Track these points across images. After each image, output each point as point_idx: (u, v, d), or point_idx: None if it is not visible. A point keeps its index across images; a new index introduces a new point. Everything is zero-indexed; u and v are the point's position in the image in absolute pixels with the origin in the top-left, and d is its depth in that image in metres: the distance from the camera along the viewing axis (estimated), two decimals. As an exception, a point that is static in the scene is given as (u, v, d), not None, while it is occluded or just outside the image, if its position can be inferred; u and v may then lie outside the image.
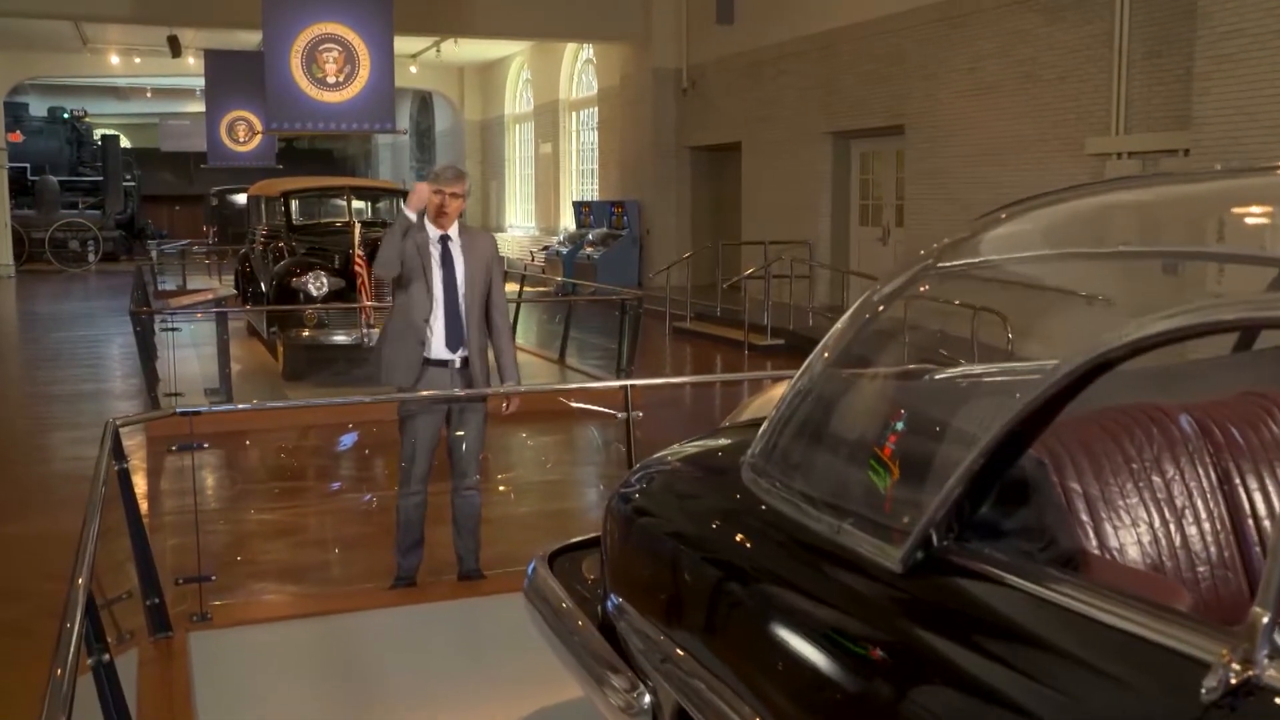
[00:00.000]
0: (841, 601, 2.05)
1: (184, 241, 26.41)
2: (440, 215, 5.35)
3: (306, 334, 10.78)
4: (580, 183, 27.32)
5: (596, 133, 25.29)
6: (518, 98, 31.22)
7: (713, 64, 20.27)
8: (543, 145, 28.77)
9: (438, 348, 5.44)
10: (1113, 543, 2.09)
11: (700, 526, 2.69)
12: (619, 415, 5.49)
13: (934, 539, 1.90)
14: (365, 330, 10.54)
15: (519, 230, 30.58)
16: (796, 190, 17.83)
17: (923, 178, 14.80)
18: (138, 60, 29.10)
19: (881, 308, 2.58)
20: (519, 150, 31.57)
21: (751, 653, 2.28)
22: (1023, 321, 2.78)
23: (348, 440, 7.68)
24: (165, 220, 40.00)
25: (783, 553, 2.30)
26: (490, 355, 5.63)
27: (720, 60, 19.96)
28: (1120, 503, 2.11)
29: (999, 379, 2.58)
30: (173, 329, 10.22)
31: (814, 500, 2.27)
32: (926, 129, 14.60)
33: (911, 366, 2.78)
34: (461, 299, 5.42)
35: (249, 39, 25.18)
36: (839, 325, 2.67)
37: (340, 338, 10.86)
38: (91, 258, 30.40)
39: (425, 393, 5.45)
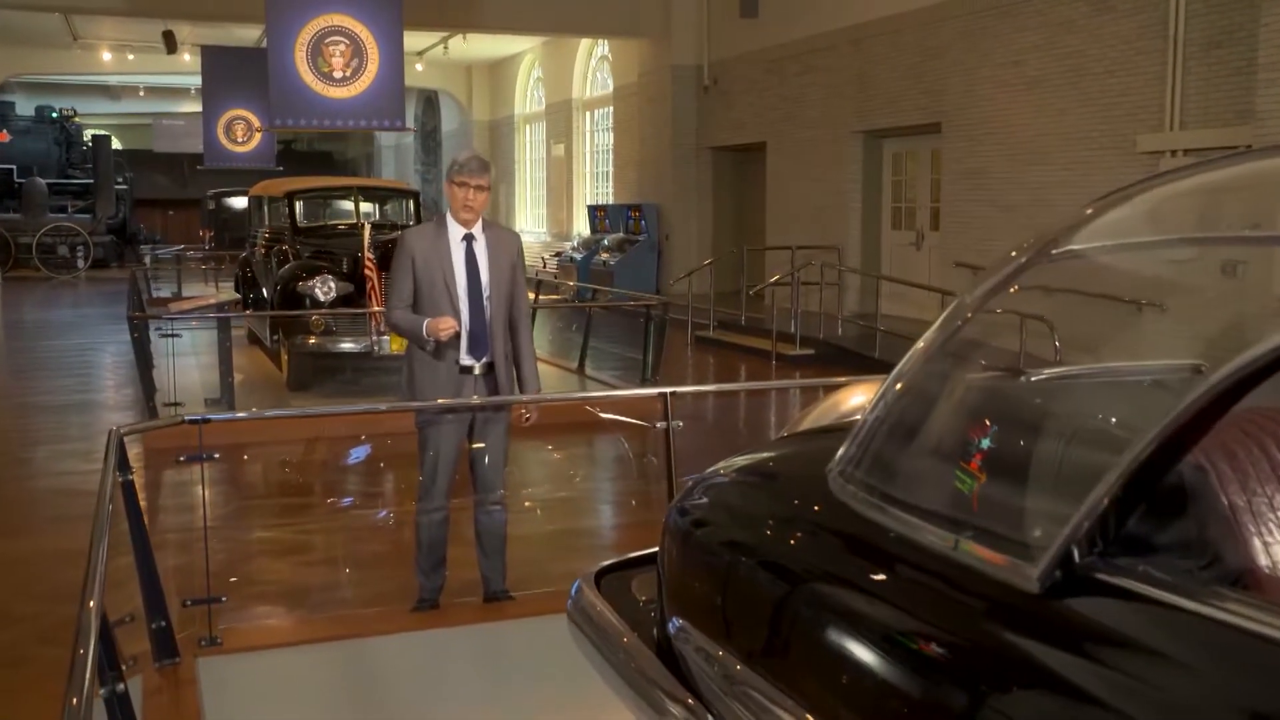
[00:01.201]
0: (962, 625, 1.90)
1: (179, 247, 26.34)
2: (465, 209, 5.22)
3: (313, 341, 10.66)
4: (594, 186, 27.24)
5: (612, 133, 25.22)
6: (528, 97, 31.18)
7: (735, 60, 20.16)
8: (555, 146, 28.70)
9: (464, 353, 5.31)
10: (1263, 560, 1.94)
11: (781, 542, 2.54)
12: (657, 425, 5.35)
13: (1075, 555, 1.75)
14: (375, 337, 10.43)
15: (530, 235, 30.49)
16: (824, 193, 17.70)
17: (961, 178, 14.66)
18: (131, 57, 29.15)
19: (987, 299, 2.43)
20: (530, 152, 31.51)
21: (845, 680, 2.13)
22: (1149, 313, 2.63)
23: (363, 453, 7.54)
24: (159, 225, 39.99)
25: (884, 570, 2.15)
26: (496, 361, 5.47)
27: (744, 56, 19.86)
28: (1271, 515, 1.96)
29: (1132, 378, 2.42)
30: (172, 335, 10.09)
31: (922, 512, 2.12)
32: (965, 127, 14.46)
33: (1003, 367, 2.64)
34: (486, 302, 5.28)
35: (247, 34, 25.19)
36: (941, 318, 2.52)
37: (348, 345, 10.74)
38: (81, 264, 30.34)
39: (443, 401, 5.32)
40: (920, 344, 2.52)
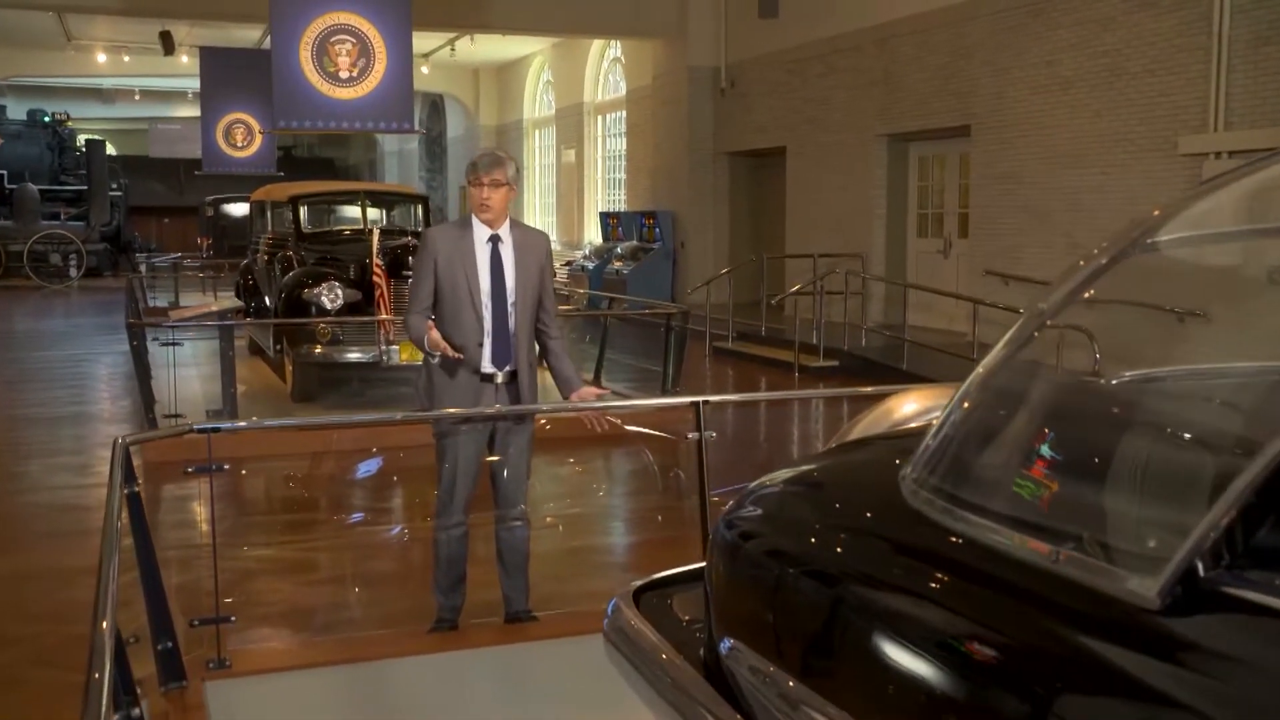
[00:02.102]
0: (1067, 643, 1.79)
1: (175, 255, 26.32)
2: (481, 209, 5.14)
3: (319, 351, 10.59)
4: (606, 192, 27.20)
5: (625, 138, 25.17)
6: (538, 101, 31.18)
7: (754, 61, 20.11)
8: (565, 152, 28.67)
9: (486, 361, 5.23)
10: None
11: (851, 555, 2.44)
12: (689, 436, 5.25)
13: (1200, 569, 1.65)
14: (384, 347, 10.36)
15: (539, 244, 30.43)
16: (847, 199, 17.62)
17: (991, 183, 14.57)
18: (126, 59, 29.19)
19: (1077, 293, 2.33)
20: (539, 158, 31.48)
21: (927, 706, 2.02)
22: (1241, 310, 2.52)
23: (376, 465, 7.46)
24: (154, 233, 40.03)
25: (972, 584, 2.05)
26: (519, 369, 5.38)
27: (763, 57, 19.80)
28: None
29: (1230, 380, 2.32)
30: (173, 344, 10.02)
31: (1014, 522, 2.02)
32: (996, 129, 14.37)
33: (1088, 369, 2.54)
34: (511, 307, 5.20)
35: (247, 35, 25.21)
36: (1021, 319, 2.42)
37: (356, 355, 10.68)
38: (74, 273, 30.35)
39: (460, 410, 5.23)
40: (1000, 345, 2.42)
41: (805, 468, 3.22)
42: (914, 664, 2.08)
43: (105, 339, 18.23)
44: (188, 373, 11.51)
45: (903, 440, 3.27)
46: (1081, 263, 2.54)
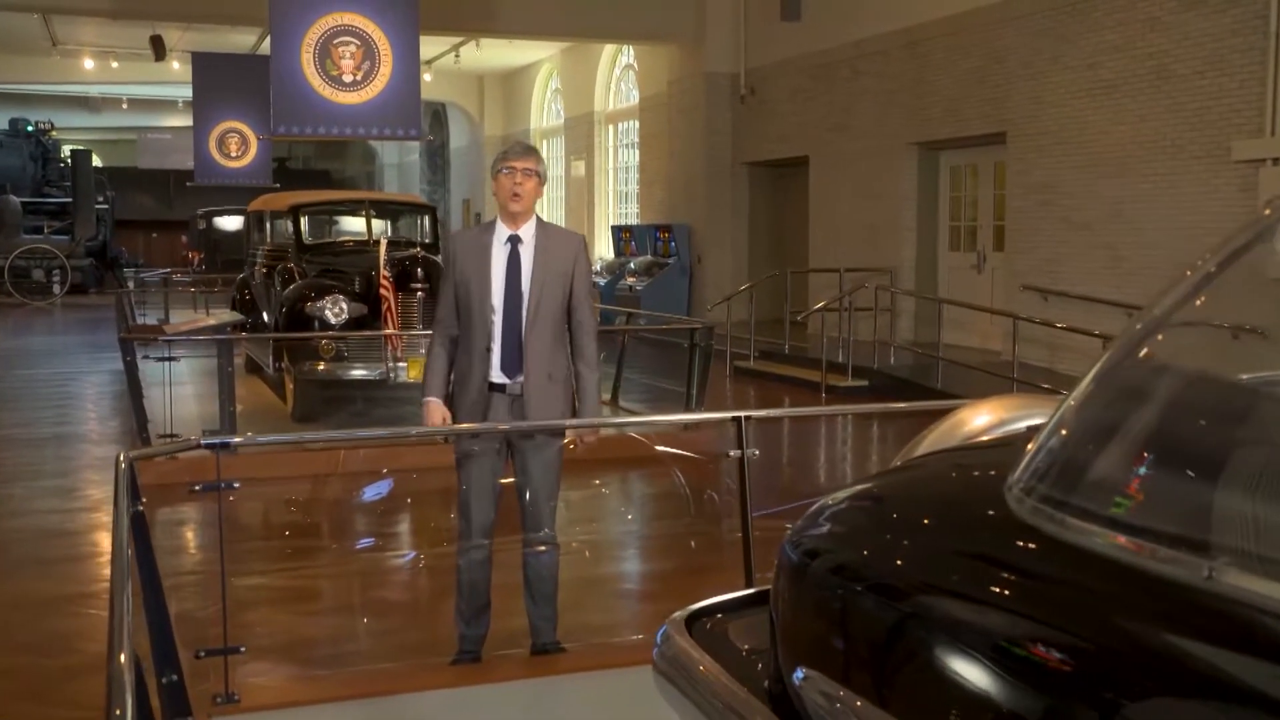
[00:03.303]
0: (1229, 669, 1.66)
1: (165, 270, 26.29)
2: (513, 199, 5.05)
3: (322, 368, 10.49)
4: (618, 205, 27.15)
5: (638, 148, 25.12)
6: (545, 109, 31.17)
7: (776, 67, 20.05)
8: (574, 163, 28.63)
9: (495, 369, 5.12)
10: None
11: (952, 575, 2.31)
12: (730, 453, 5.12)
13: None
14: (391, 364, 10.26)
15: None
16: (875, 211, 17.54)
17: (1028, 193, 14.46)
18: (115, 65, 29.23)
19: (1193, 293, 2.21)
20: (547, 169, 31.45)
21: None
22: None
23: (391, 487, 7.36)
24: (140, 248, 40.05)
25: (1108, 606, 1.91)
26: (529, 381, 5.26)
27: (785, 62, 19.75)
28: None
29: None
30: (169, 359, 9.92)
31: (1151, 535, 1.89)
32: (1033, 136, 14.28)
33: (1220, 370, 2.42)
34: (524, 312, 5.08)
35: (242, 40, 25.22)
36: (1138, 317, 2.30)
37: (361, 372, 10.58)
38: (57, 289, 30.33)
39: (477, 425, 5.14)
40: (1112, 348, 2.30)
41: (879, 483, 3.11)
42: (1033, 694, 1.95)
43: (91, 357, 18.19)
44: (182, 391, 11.40)
45: (989, 452, 3.15)
46: (1199, 262, 2.42)
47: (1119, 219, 12.95)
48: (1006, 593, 2.14)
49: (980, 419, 3.75)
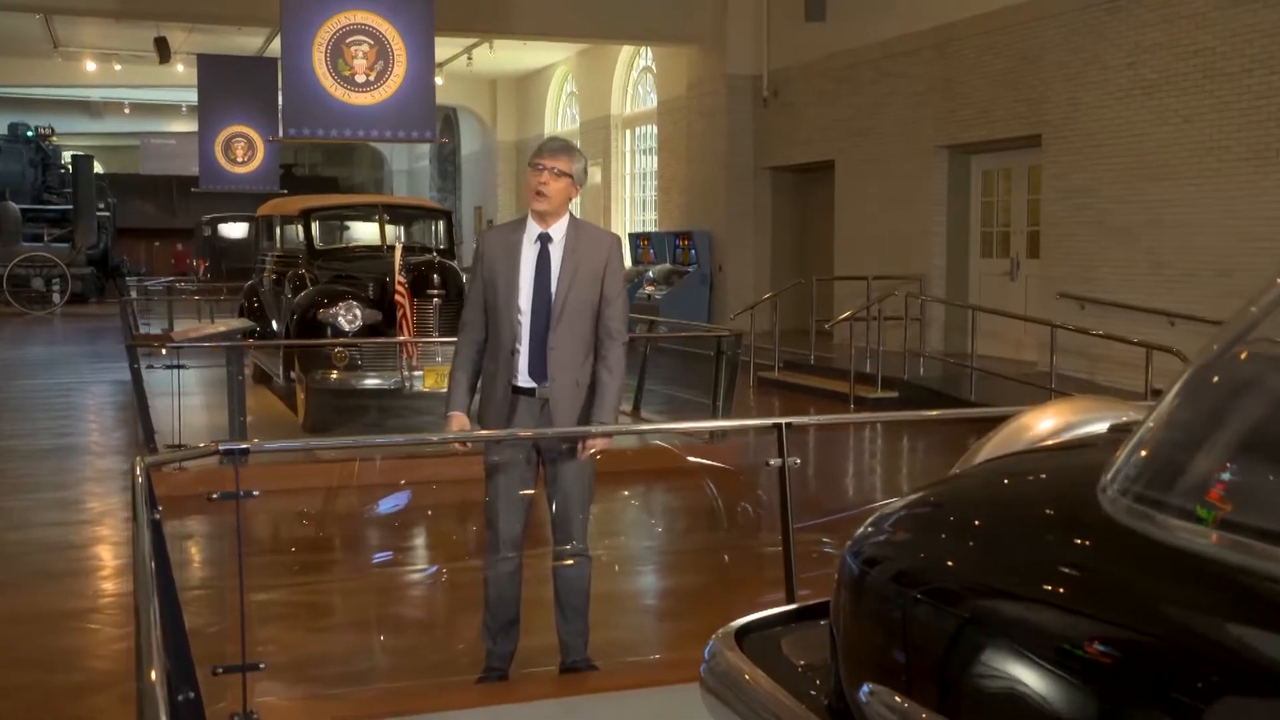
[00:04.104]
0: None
1: (169, 278, 26.30)
2: (536, 197, 4.98)
3: (335, 377, 10.42)
4: (636, 212, 27.13)
5: (655, 153, 25.09)
6: (560, 114, 31.18)
7: (800, 68, 20.01)
8: (590, 169, 28.59)
9: (521, 373, 5.05)
10: None
11: (1043, 581, 2.22)
12: (770, 462, 5.03)
13: None
14: (407, 373, 10.20)
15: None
16: (903, 217, 17.46)
17: (1064, 197, 14.37)
18: (118, 68, 29.32)
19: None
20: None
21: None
22: None
23: (413, 499, 7.29)
24: (142, 257, 40.13)
25: (1225, 612, 1.82)
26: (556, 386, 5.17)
27: (809, 64, 19.70)
28: None
29: None
30: (178, 366, 9.86)
31: (1265, 534, 1.80)
32: (1070, 139, 14.19)
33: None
34: (552, 313, 5.01)
35: (249, 43, 25.26)
36: (1237, 313, 2.21)
37: (375, 381, 10.52)
38: (57, 299, 30.35)
39: (497, 431, 5.07)
40: (1214, 344, 2.22)
41: (947, 489, 3.02)
42: (1142, 708, 1.86)
43: (93, 367, 18.20)
44: (188, 401, 11.35)
45: (1068, 454, 3.07)
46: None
47: (1161, 223, 12.85)
48: (1106, 598, 2.05)
49: (1045, 423, 3.67)
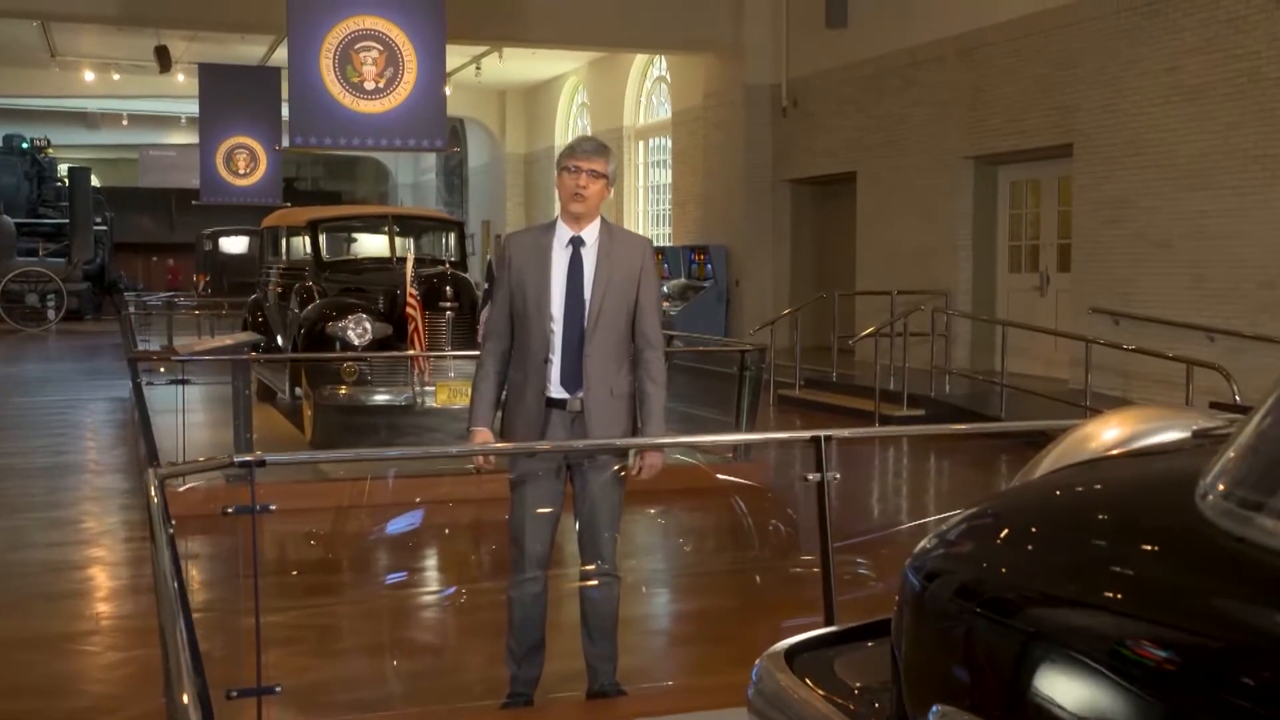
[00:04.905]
0: None
1: (168, 293, 26.30)
2: (574, 199, 4.90)
3: (344, 392, 10.36)
4: (649, 226, 27.13)
5: (670, 166, 25.07)
6: (571, 125, 31.20)
7: (820, 77, 19.99)
8: (603, 179, 28.60)
9: (554, 383, 4.97)
10: None
11: (1139, 597, 2.13)
12: (809, 477, 4.95)
13: None
14: (419, 388, 10.13)
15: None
16: (928, 230, 17.41)
17: (1098, 209, 14.29)
18: (117, 78, 29.39)
19: None
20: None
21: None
22: None
23: (431, 518, 7.23)
24: (139, 272, 40.17)
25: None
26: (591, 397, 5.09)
27: (830, 72, 19.68)
28: None
29: None
30: (183, 381, 9.80)
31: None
32: (1104, 148, 14.12)
33: None
34: (585, 320, 4.93)
35: (251, 52, 25.28)
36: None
37: (386, 397, 10.46)
38: (52, 315, 30.35)
39: (520, 444, 5.01)
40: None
41: (1019, 498, 2.95)
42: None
43: (90, 384, 18.19)
44: (190, 419, 11.27)
45: (1149, 460, 2.98)
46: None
47: (1201, 235, 12.76)
48: (1212, 607, 1.96)
49: (1110, 433, 3.59)
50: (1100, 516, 2.51)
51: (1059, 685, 2.21)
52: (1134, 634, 2.08)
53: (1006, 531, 2.68)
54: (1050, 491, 2.84)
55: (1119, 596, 2.17)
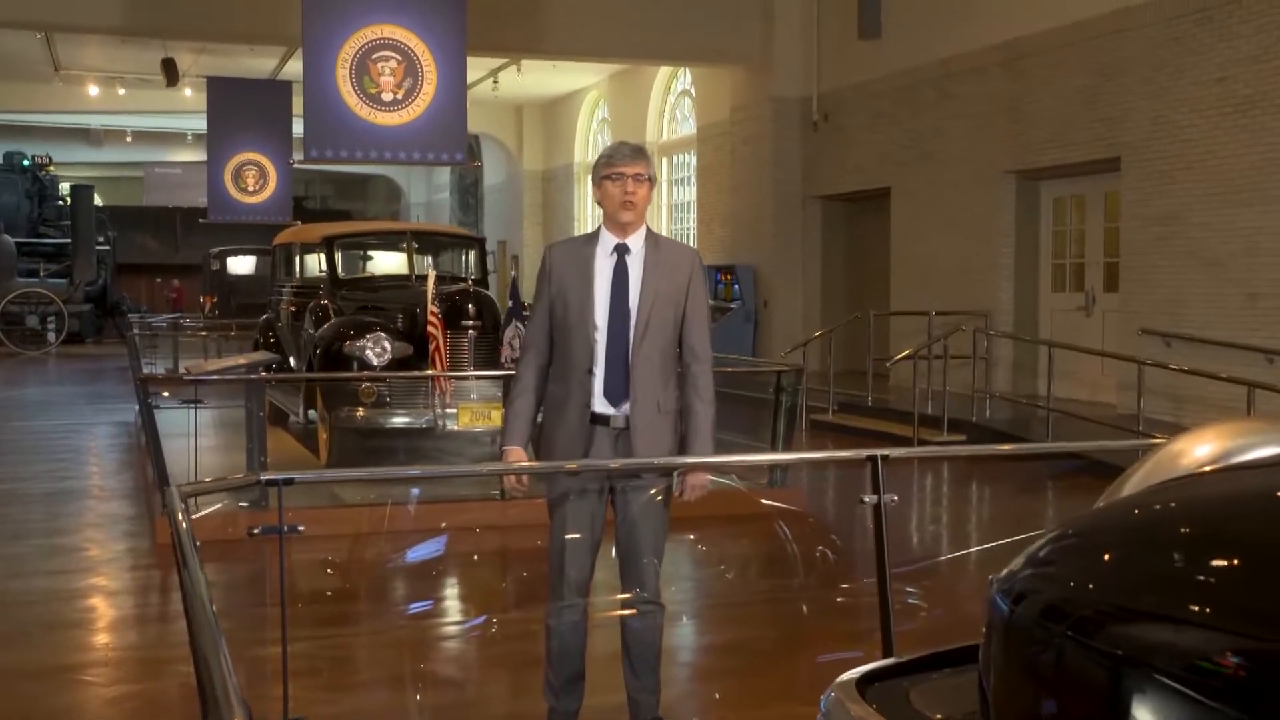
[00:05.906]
0: None
1: (174, 314, 26.33)
2: (625, 207, 4.82)
3: (362, 415, 10.28)
4: (673, 245, 27.06)
5: (694, 183, 25.03)
6: (591, 142, 31.21)
7: (853, 89, 19.94)
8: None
9: (598, 396, 4.88)
10: None
11: (1248, 622, 2.03)
12: (865, 499, 4.84)
13: None
14: (439, 410, 10.05)
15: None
16: (966, 248, 17.30)
17: (1147, 225, 14.18)
18: (122, 92, 29.50)
19: None
20: (591, 207, 31.44)
21: None
22: None
23: (462, 544, 7.15)
24: (143, 294, 40.25)
25: None
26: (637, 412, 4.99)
27: (863, 85, 19.62)
28: None
29: None
30: (195, 403, 9.75)
31: None
32: (1153, 161, 14.01)
33: None
34: (631, 332, 4.85)
35: (261, 65, 25.35)
36: None
37: (405, 420, 10.38)
38: (53, 338, 30.39)
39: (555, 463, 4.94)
40: None
41: (1110, 517, 2.84)
42: None
43: (94, 408, 18.21)
44: (201, 443, 11.26)
45: (1258, 475, 2.89)
46: None
47: (1255, 252, 12.64)
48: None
49: (1203, 449, 3.48)
50: (1213, 535, 2.42)
51: (1156, 711, 2.13)
52: (1232, 654, 2.00)
53: (1105, 551, 2.58)
54: (1144, 509, 2.74)
55: (1214, 616, 2.08)
